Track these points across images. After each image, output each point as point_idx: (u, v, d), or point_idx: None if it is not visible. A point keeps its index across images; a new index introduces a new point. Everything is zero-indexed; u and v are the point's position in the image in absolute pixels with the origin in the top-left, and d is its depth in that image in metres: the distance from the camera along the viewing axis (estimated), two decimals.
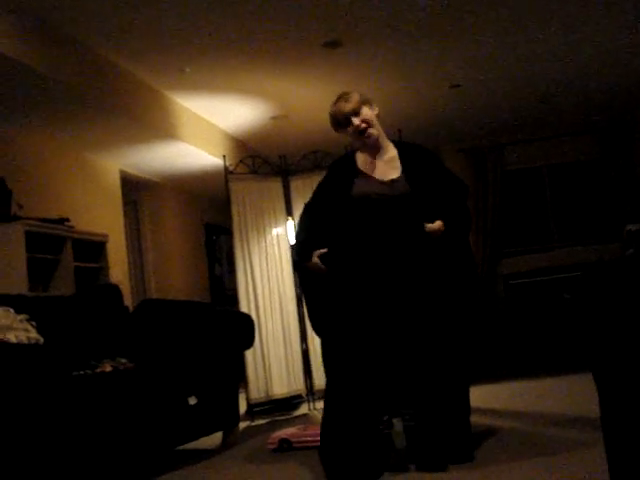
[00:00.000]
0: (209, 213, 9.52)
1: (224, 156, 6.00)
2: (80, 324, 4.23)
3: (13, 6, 4.47)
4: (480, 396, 5.34)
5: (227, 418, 4.27)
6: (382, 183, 3.38)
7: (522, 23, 5.69)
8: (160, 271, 8.16)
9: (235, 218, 5.77)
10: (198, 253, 9.22)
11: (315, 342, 5.92)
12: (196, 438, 4.04)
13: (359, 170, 3.46)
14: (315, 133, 7.71)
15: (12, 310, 3.71)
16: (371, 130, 3.42)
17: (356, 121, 3.40)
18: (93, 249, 6.28)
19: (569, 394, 4.94)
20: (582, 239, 9.13)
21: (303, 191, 6.08)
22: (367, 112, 3.43)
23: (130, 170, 7.52)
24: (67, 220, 5.85)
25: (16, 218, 5.27)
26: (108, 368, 3.84)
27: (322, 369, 5.49)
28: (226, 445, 4.27)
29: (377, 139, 3.47)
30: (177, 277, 8.43)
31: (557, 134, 9.16)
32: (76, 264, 5.86)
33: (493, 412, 4.62)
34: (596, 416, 2.09)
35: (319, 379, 5.88)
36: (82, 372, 3.65)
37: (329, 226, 3.42)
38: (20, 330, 3.60)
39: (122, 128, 6.10)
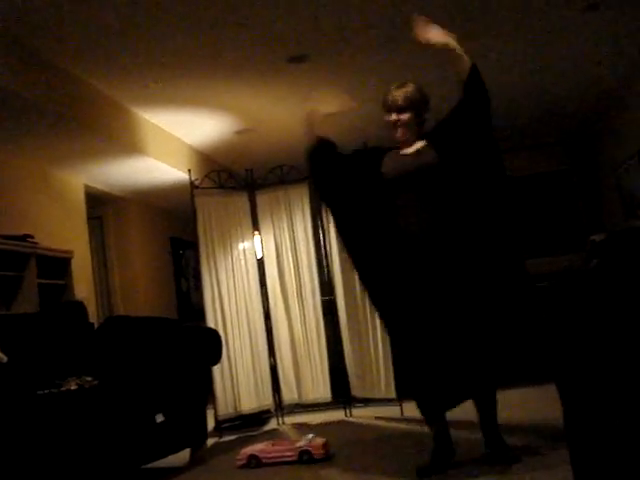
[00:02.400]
0: (175, 228, 9.46)
1: (189, 170, 5.98)
2: (44, 342, 4.17)
3: None
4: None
5: (195, 435, 4.24)
6: (406, 155, 3.44)
7: (486, 33, 5.75)
8: (126, 287, 8.08)
9: (201, 233, 5.74)
10: (164, 268, 9.16)
11: (283, 356, 5.90)
12: (163, 456, 4.00)
13: (386, 149, 3.55)
14: (281, 147, 7.72)
15: None
16: (401, 131, 3.48)
17: (393, 117, 3.49)
18: (57, 266, 6.20)
19: (534, 404, 4.97)
20: (547, 250, 9.21)
21: (269, 205, 6.08)
22: (407, 116, 3.48)
23: (95, 185, 7.45)
24: (31, 236, 5.77)
25: None
26: (73, 386, 3.79)
27: (289, 384, 5.50)
28: (194, 462, 4.23)
29: (405, 139, 3.50)
30: (143, 293, 8.36)
31: (522, 146, 9.25)
32: (40, 281, 5.78)
33: (462, 423, 4.64)
34: (560, 425, 2.10)
35: (288, 393, 5.87)
36: (47, 391, 3.60)
37: (359, 208, 3.47)
38: None
39: (86, 143, 6.05)
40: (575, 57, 6.48)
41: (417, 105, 3.52)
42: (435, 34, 3.48)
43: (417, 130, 3.52)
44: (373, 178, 3.47)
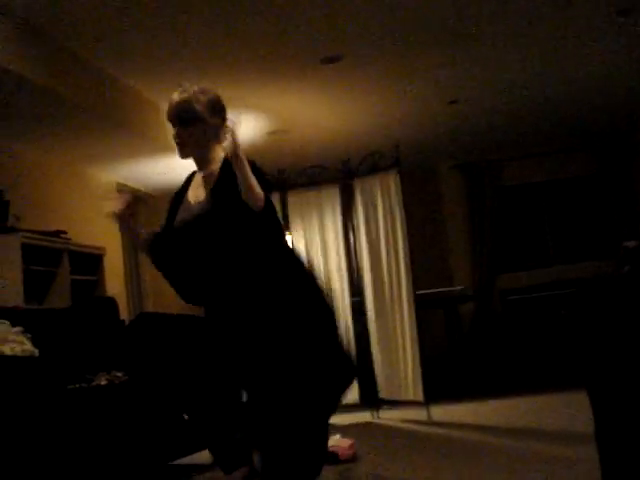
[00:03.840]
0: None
1: None
2: (76, 337, 4.21)
3: (16, 20, 4.48)
4: (476, 412, 5.33)
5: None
6: (192, 207, 2.96)
7: (521, 40, 5.72)
8: (157, 284, 8.14)
9: None
10: None
11: None
12: (190, 453, 4.02)
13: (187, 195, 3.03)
14: (313, 148, 7.73)
15: (7, 322, 3.71)
16: (181, 153, 2.96)
17: (174, 131, 2.92)
18: (90, 262, 6.27)
19: (565, 410, 4.92)
20: (579, 255, 9.12)
21: (300, 206, 6.10)
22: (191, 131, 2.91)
23: (127, 183, 7.52)
24: (64, 233, 5.83)
25: (13, 230, 5.26)
26: (103, 381, 3.83)
27: None
28: None
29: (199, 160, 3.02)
30: (173, 291, 8.40)
31: (555, 150, 9.16)
32: (72, 277, 5.85)
33: (489, 428, 4.61)
34: (591, 432, 2.08)
35: None
36: (77, 385, 3.64)
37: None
38: (15, 342, 3.60)
39: (120, 141, 6.10)
40: (606, 61, 6.41)
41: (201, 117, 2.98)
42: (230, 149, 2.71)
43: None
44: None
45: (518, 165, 9.31)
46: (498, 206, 9.29)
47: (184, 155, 2.93)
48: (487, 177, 9.31)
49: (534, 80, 6.70)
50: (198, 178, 3.00)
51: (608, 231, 9.00)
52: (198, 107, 2.87)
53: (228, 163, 2.79)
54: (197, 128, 2.86)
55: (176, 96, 2.87)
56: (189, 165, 3.24)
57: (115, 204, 2.89)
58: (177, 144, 2.90)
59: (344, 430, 5.10)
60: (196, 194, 2.94)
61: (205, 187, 2.90)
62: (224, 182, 2.81)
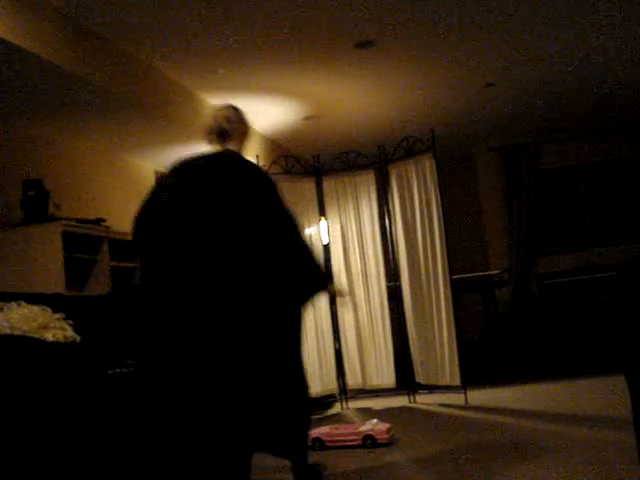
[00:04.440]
0: None
1: (257, 156, 6.04)
2: (116, 323, 4.27)
3: (51, 9, 4.54)
4: (513, 397, 5.32)
5: None
6: None
7: (558, 20, 5.64)
8: None
9: None
10: None
11: (348, 341, 5.95)
12: None
13: None
14: (348, 134, 7.74)
15: (49, 309, 3.77)
16: None
17: None
18: (129, 249, 6.34)
19: (602, 395, 4.89)
20: (618, 238, 9.02)
21: (335, 191, 6.11)
22: None
23: (165, 171, 7.58)
24: (103, 220, 5.92)
25: (53, 218, 5.35)
26: None
27: (353, 369, 5.52)
28: None
29: None
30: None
31: (593, 132, 9.05)
32: (112, 264, 5.93)
33: (528, 413, 4.60)
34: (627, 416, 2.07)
35: (352, 378, 5.90)
36: (117, 370, 3.70)
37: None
38: (57, 329, 3.66)
39: (157, 129, 6.16)
40: None
41: None
42: None
43: None
44: None
45: (555, 148, 9.22)
46: (535, 189, 9.21)
47: None
48: (524, 160, 9.23)
49: (571, 61, 6.61)
50: None
51: None
52: None
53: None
54: None
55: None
56: None
57: None
58: None
59: (381, 414, 5.13)
60: None
61: None
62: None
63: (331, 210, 6.09)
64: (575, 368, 6.52)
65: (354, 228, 6.05)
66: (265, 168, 5.83)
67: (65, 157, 6.04)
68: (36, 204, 5.29)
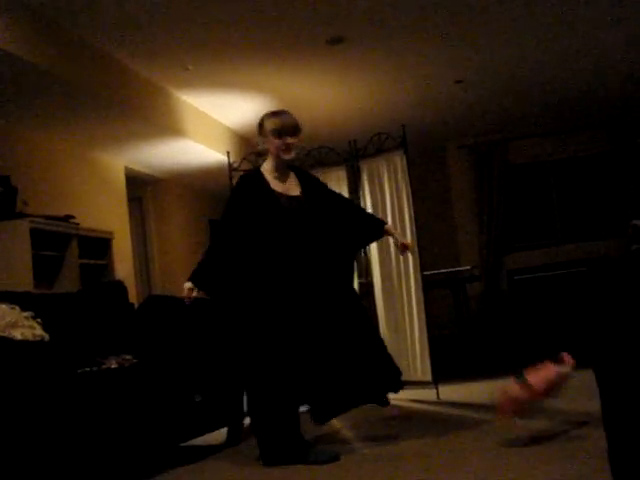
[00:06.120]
0: (213, 209, 9.51)
1: (228, 152, 6.02)
2: (85, 321, 4.24)
3: (17, 3, 4.48)
4: (483, 391, 5.35)
5: (232, 414, 4.28)
6: (290, 198, 3.75)
7: (527, 18, 5.68)
8: (165, 267, 8.17)
9: None
10: (203, 249, 9.21)
11: None
12: (201, 434, 4.05)
13: (271, 187, 3.76)
14: (319, 129, 7.72)
15: (18, 307, 3.73)
16: (292, 153, 3.75)
17: (290, 139, 3.72)
18: (98, 246, 6.30)
19: (573, 389, 4.93)
20: (587, 234, 9.11)
21: None
22: (296, 139, 3.76)
23: (135, 167, 7.53)
24: (72, 217, 5.86)
25: (21, 215, 5.29)
26: (113, 364, 3.85)
27: None
28: (230, 441, 4.28)
29: (291, 162, 3.84)
30: (182, 273, 8.42)
31: (563, 128, 9.13)
32: (81, 261, 5.88)
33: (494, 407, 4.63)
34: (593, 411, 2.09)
35: None
36: (87, 369, 3.67)
37: (258, 237, 3.68)
38: (26, 327, 3.62)
39: (127, 125, 6.11)
40: (616, 38, 6.35)
41: (301, 130, 3.79)
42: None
43: None
44: (273, 215, 3.71)
45: (526, 144, 9.29)
46: (506, 185, 9.28)
47: (292, 157, 3.76)
48: (495, 156, 9.29)
49: (541, 58, 6.67)
50: (276, 175, 3.79)
51: (616, 210, 8.98)
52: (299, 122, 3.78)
53: (298, 170, 3.96)
54: (297, 138, 3.76)
55: (288, 114, 3.82)
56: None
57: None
58: (289, 149, 3.72)
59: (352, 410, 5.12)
60: (287, 189, 3.77)
61: (292, 184, 3.81)
62: (310, 183, 3.89)
63: None
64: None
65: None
66: (235, 164, 5.82)
67: (33, 153, 5.96)
68: (3, 201, 5.22)
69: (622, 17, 5.88)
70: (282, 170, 3.80)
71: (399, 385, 3.84)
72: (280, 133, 3.71)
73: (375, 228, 4.00)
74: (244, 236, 3.68)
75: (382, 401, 3.86)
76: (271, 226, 3.66)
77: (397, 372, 3.83)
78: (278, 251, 3.64)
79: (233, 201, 3.79)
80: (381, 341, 3.90)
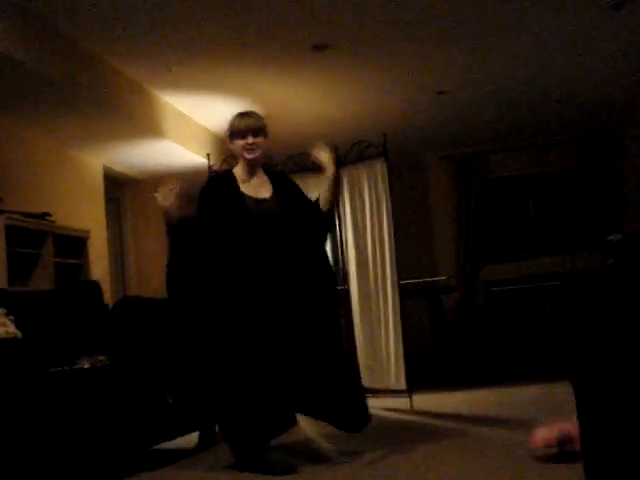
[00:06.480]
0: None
1: (208, 154, 5.99)
2: (59, 320, 4.20)
3: (1, 1, 4.45)
4: (457, 401, 5.37)
5: (205, 417, 4.25)
6: (258, 201, 3.73)
7: (508, 32, 5.72)
8: (141, 268, 8.12)
9: None
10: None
11: None
12: (172, 438, 4.02)
13: (240, 189, 3.76)
14: (301, 135, 7.70)
15: None
16: (255, 153, 3.73)
17: (251, 139, 3.70)
18: (74, 245, 6.24)
19: (550, 400, 4.96)
20: (564, 248, 9.18)
21: None
22: (260, 140, 3.74)
23: (113, 167, 7.48)
24: (48, 215, 5.81)
25: None
26: (86, 365, 3.82)
27: None
28: (202, 445, 4.25)
29: (256, 162, 3.79)
30: (158, 275, 8.38)
31: (542, 143, 9.20)
32: (56, 259, 5.82)
33: (469, 418, 4.64)
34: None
35: None
36: (60, 368, 3.63)
37: (222, 238, 3.67)
38: None
39: (107, 124, 6.07)
40: (594, 56, 6.42)
41: (265, 128, 3.78)
42: (324, 155, 3.82)
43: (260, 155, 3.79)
44: (241, 219, 3.69)
45: (505, 157, 9.35)
46: (484, 198, 9.33)
47: (255, 157, 3.73)
48: (474, 168, 9.34)
49: (521, 73, 6.72)
50: (245, 177, 3.78)
51: (593, 224, 9.07)
52: (264, 123, 3.77)
53: (276, 174, 3.97)
54: (261, 139, 3.73)
55: (253, 114, 3.81)
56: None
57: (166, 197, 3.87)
58: (251, 149, 3.71)
59: None
60: (256, 191, 3.74)
61: (262, 187, 3.78)
62: (282, 186, 3.84)
63: None
64: (518, 375, 6.61)
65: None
66: (215, 167, 5.79)
67: (10, 149, 5.90)
68: None
69: (600, 37, 5.94)
70: (251, 172, 3.78)
71: (362, 423, 3.71)
72: (243, 134, 3.71)
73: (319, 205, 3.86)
74: (209, 237, 3.69)
75: (345, 427, 3.74)
76: (235, 228, 3.65)
77: (362, 409, 3.74)
78: (241, 254, 3.61)
79: (200, 202, 3.83)
80: (349, 366, 3.89)
